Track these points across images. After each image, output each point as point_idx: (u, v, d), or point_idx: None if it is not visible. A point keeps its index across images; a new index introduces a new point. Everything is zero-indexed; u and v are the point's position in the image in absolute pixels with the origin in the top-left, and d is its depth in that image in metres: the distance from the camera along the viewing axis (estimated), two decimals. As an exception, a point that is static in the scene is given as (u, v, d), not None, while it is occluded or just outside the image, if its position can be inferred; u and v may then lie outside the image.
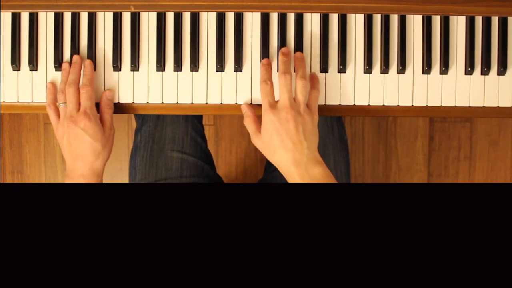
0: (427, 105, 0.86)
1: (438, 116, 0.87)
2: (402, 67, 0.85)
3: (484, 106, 0.86)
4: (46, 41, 0.84)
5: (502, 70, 0.85)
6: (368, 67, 0.85)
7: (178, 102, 0.85)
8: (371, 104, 0.85)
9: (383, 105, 0.86)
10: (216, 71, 0.85)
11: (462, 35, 0.86)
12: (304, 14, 0.85)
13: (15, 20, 0.84)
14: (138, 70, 0.85)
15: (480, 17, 0.85)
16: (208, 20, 0.85)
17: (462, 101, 0.86)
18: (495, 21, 0.85)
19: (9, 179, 1.53)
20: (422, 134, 1.54)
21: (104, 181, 0.84)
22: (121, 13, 0.84)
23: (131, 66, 0.84)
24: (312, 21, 0.85)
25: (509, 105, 0.86)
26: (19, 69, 0.84)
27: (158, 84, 0.85)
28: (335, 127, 1.00)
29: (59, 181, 1.53)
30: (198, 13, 0.84)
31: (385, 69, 0.85)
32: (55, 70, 0.84)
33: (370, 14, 0.85)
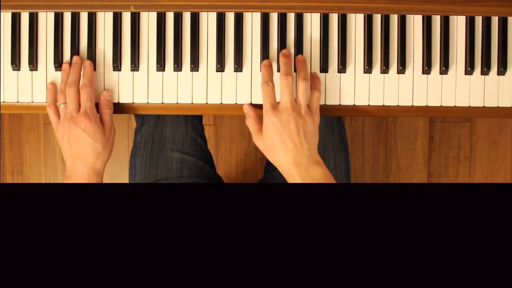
0: (427, 105, 0.85)
1: (438, 116, 0.87)
2: (402, 67, 0.85)
3: (484, 106, 0.86)
4: (46, 41, 0.84)
5: (502, 70, 0.85)
6: (368, 67, 0.85)
7: (178, 102, 0.85)
8: (371, 104, 0.85)
9: (383, 105, 0.86)
10: (216, 71, 0.85)
11: (462, 35, 0.86)
12: (304, 14, 0.85)
13: (15, 20, 0.84)
14: (138, 70, 0.85)
15: (480, 17, 0.85)
16: (208, 20, 0.85)
17: (462, 101, 0.86)
18: (495, 21, 0.85)
19: (9, 179, 1.53)
20: (422, 134, 1.54)
21: (104, 181, 0.84)
22: (121, 13, 0.84)
23: (131, 66, 0.84)
24: (312, 21, 0.85)
25: (509, 105, 0.86)
26: (19, 69, 0.84)
27: (158, 84, 0.85)
28: (335, 127, 1.00)
29: (59, 181, 1.53)
30: (198, 13, 0.84)
31: (385, 69, 0.85)
32: (55, 70, 0.84)
33: (370, 14, 0.85)
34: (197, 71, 0.85)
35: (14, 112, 0.86)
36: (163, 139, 0.97)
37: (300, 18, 0.84)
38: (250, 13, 0.85)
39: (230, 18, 0.84)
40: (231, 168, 1.54)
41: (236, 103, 0.85)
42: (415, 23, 0.85)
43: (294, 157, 0.78)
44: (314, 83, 0.83)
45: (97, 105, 0.83)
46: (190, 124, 0.99)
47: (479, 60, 0.86)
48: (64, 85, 0.82)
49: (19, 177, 1.53)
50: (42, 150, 1.52)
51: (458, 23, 0.85)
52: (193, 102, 0.85)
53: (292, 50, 0.84)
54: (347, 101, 0.85)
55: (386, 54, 0.85)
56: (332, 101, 0.85)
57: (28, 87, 0.85)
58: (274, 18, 0.85)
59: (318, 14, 0.85)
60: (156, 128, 0.98)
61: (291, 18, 0.85)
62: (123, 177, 1.52)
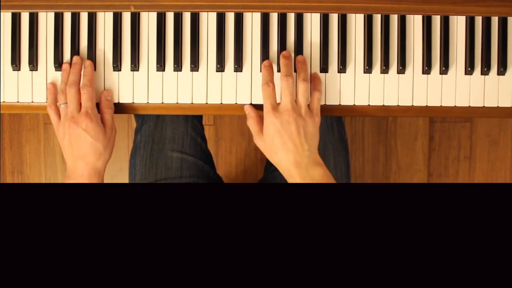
0: (427, 105, 0.86)
1: (438, 116, 0.87)
2: (402, 67, 0.85)
3: (484, 106, 0.86)
4: (46, 41, 0.85)
5: (502, 70, 0.85)
6: (368, 67, 0.85)
7: (178, 102, 0.85)
8: (371, 104, 0.85)
9: (383, 105, 0.86)
10: (216, 71, 0.85)
11: (462, 35, 0.86)
12: (304, 14, 0.85)
13: (15, 20, 0.84)
14: (138, 70, 0.85)
15: (480, 17, 0.85)
16: (208, 20, 0.85)
17: (462, 101, 0.86)
18: (495, 21, 0.85)
19: (9, 179, 1.53)
20: (422, 134, 1.54)
21: (104, 181, 0.84)
22: (121, 13, 0.84)
23: (131, 66, 0.84)
24: (312, 21, 0.85)
25: (509, 105, 0.86)
26: (19, 69, 0.84)
27: (158, 84, 0.85)
28: (335, 127, 1.00)
29: (59, 181, 1.53)
30: (198, 13, 0.84)
31: (385, 69, 0.85)
32: (55, 70, 0.84)
33: (370, 14, 0.85)
34: (197, 71, 0.85)
35: (14, 112, 0.86)
36: (163, 139, 0.97)
37: (300, 18, 0.84)
38: (250, 13, 0.85)
39: (230, 18, 0.84)
40: (231, 168, 1.54)
41: (236, 103, 0.85)
42: (415, 23, 0.85)
43: (294, 158, 0.78)
44: (314, 83, 0.83)
45: (97, 105, 0.83)
46: (190, 124, 0.99)
47: (479, 60, 0.86)
48: (64, 85, 0.82)
49: (19, 177, 1.53)
50: (42, 150, 1.52)
51: (458, 23, 0.85)
52: (193, 102, 0.85)
53: (292, 50, 0.84)
54: (347, 101, 0.85)
55: (386, 54, 0.85)
56: (332, 101, 0.85)
57: (28, 87, 0.85)
58: (274, 18, 0.85)
59: (318, 14, 0.85)
60: (156, 128, 0.98)
61: (291, 18, 0.85)
62: (123, 177, 1.52)
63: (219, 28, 0.84)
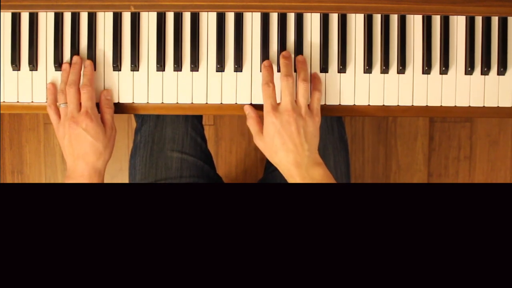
0: (427, 105, 0.86)
1: (438, 116, 0.87)
2: (402, 67, 0.85)
3: (484, 106, 0.86)
4: (46, 41, 0.85)
5: (502, 70, 0.85)
6: (368, 67, 0.85)
7: (178, 102, 0.85)
8: (371, 104, 0.85)
9: (383, 105, 0.86)
10: (216, 71, 0.85)
11: (462, 35, 0.86)
12: (304, 14, 0.85)
13: (15, 20, 0.84)
14: (138, 70, 0.85)
15: (480, 17, 0.85)
16: (208, 20, 0.85)
17: (462, 101, 0.86)
18: (495, 21, 0.85)
19: (9, 179, 1.53)
20: (422, 134, 1.54)
21: (104, 181, 0.84)
22: (121, 13, 0.84)
23: (131, 66, 0.84)
24: (312, 21, 0.85)
25: (509, 105, 0.86)
26: (19, 69, 0.84)
27: (158, 84, 0.85)
28: (335, 127, 1.00)
29: (59, 181, 1.53)
30: (198, 13, 0.84)
31: (385, 69, 0.85)
32: (55, 70, 0.84)
33: (370, 14, 0.85)
34: (197, 71, 0.85)
35: (14, 112, 0.86)
36: (163, 139, 0.97)
37: (300, 18, 0.84)
38: (250, 13, 0.85)
39: (230, 18, 0.84)
40: (231, 168, 1.54)
41: (236, 103, 0.85)
42: (415, 23, 0.85)
43: (294, 158, 0.78)
44: (314, 83, 0.83)
45: (97, 105, 0.83)
46: (190, 124, 0.99)
47: (479, 60, 0.86)
48: (64, 85, 0.82)
49: (19, 177, 1.53)
50: (42, 150, 1.52)
51: (458, 23, 0.85)
52: (193, 102, 0.85)
53: (292, 50, 0.84)
54: (347, 101, 0.85)
55: (386, 54, 0.85)
56: (332, 101, 0.85)
57: (28, 87, 0.85)
58: (274, 18, 0.85)
59: (318, 14, 0.85)
60: (156, 128, 0.98)
61: (291, 18, 0.85)
62: (123, 177, 1.52)
63: (219, 28, 0.84)
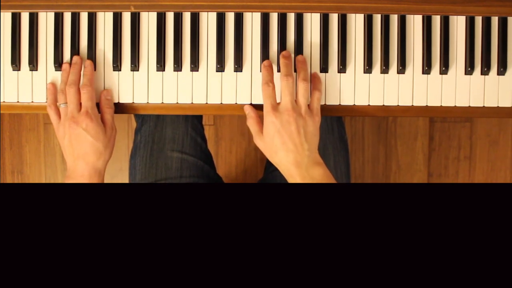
0: (427, 105, 0.86)
1: (438, 116, 0.87)
2: (402, 67, 0.85)
3: (484, 106, 0.86)
4: (46, 41, 0.85)
5: (502, 70, 0.85)
6: (368, 67, 0.85)
7: (178, 102, 0.85)
8: (371, 104, 0.85)
9: (383, 105, 0.86)
10: (216, 71, 0.85)
11: (462, 35, 0.86)
12: (304, 14, 0.85)
13: (15, 20, 0.84)
14: (138, 70, 0.85)
15: (480, 17, 0.85)
16: (208, 20, 0.85)
17: (462, 101, 0.86)
18: (495, 21, 0.85)
19: (9, 179, 1.53)
20: (422, 134, 1.54)
21: (104, 181, 0.84)
22: (121, 13, 0.84)
23: (131, 66, 0.84)
24: (312, 21, 0.85)
25: (509, 105, 0.86)
26: (19, 69, 0.84)
27: (158, 84, 0.85)
28: (335, 127, 1.00)
29: (59, 181, 1.53)
30: (198, 13, 0.84)
31: (385, 69, 0.85)
32: (55, 70, 0.84)
33: (370, 14, 0.85)
34: (197, 71, 0.85)
35: (14, 112, 0.86)
36: (163, 139, 0.97)
37: (300, 18, 0.84)
38: (250, 13, 0.85)
39: (230, 18, 0.84)
40: (231, 168, 1.54)
41: (236, 103, 0.85)
42: (415, 23, 0.85)
43: (294, 157, 0.78)
44: (314, 83, 0.83)
45: (97, 105, 0.83)
46: (190, 124, 0.99)
47: (479, 60, 0.86)
48: (64, 85, 0.82)
49: (19, 177, 1.53)
50: (42, 150, 1.52)
51: (458, 23, 0.85)
52: (193, 102, 0.85)
53: (292, 50, 0.84)
54: (347, 101, 0.85)
55: (386, 54, 0.85)
56: (332, 101, 0.85)
57: (28, 87, 0.85)
58: (274, 18, 0.85)
59: (318, 14, 0.85)
60: (156, 128, 0.98)
61: (291, 18, 0.85)
62: (123, 177, 1.52)
63: (219, 28, 0.84)
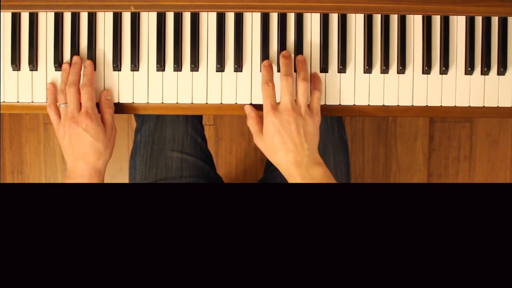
0: (427, 105, 0.86)
1: (438, 116, 0.87)
2: (402, 67, 0.85)
3: (484, 106, 0.86)
4: (46, 41, 0.85)
5: (502, 70, 0.85)
6: (368, 67, 0.85)
7: (178, 102, 0.85)
8: (371, 104, 0.85)
9: (383, 105, 0.86)
10: (216, 71, 0.85)
11: (462, 35, 0.86)
12: (304, 14, 0.85)
13: (15, 20, 0.84)
14: (138, 70, 0.85)
15: (480, 17, 0.85)
16: (208, 20, 0.85)
17: (462, 101, 0.86)
18: (495, 21, 0.85)
19: (9, 179, 1.53)
20: (422, 134, 1.54)
21: (104, 181, 0.84)
22: (121, 13, 0.84)
23: (131, 66, 0.84)
24: (312, 21, 0.85)
25: (509, 105, 0.86)
26: (19, 69, 0.84)
27: (158, 84, 0.85)
28: (335, 127, 1.00)
29: (59, 181, 1.53)
30: (198, 13, 0.84)
31: (385, 69, 0.85)
32: (55, 70, 0.84)
33: (370, 14, 0.85)
34: (197, 71, 0.85)
35: (14, 112, 0.86)
36: (163, 139, 0.97)
37: (300, 18, 0.84)
38: (250, 13, 0.85)
39: (230, 18, 0.84)
40: (231, 168, 1.54)
41: (236, 103, 0.85)
42: (415, 23, 0.85)
43: (294, 157, 0.78)
44: (314, 83, 0.83)
45: (97, 105, 0.83)
46: (190, 124, 0.99)
47: (479, 60, 0.86)
48: (64, 85, 0.82)
49: (19, 177, 1.53)
50: (42, 150, 1.52)
51: (458, 23, 0.85)
52: (193, 102, 0.85)
53: (292, 50, 0.84)
54: (347, 101, 0.85)
55: (386, 54, 0.85)
56: (332, 101, 0.85)
57: (28, 87, 0.85)
58: (274, 18, 0.85)
59: (318, 14, 0.85)
60: (156, 128, 0.98)
61: (291, 18, 0.85)
62: (123, 177, 1.52)
63: (219, 28, 0.84)
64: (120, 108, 0.85)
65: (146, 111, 0.86)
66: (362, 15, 0.85)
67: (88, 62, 0.83)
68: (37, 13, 0.84)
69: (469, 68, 0.85)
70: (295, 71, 0.84)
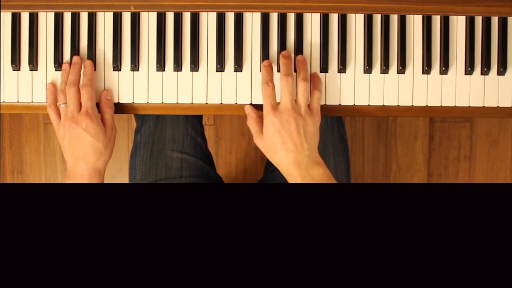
0: (427, 105, 0.86)
1: (438, 116, 0.87)
2: (402, 67, 0.85)
3: (484, 106, 0.86)
4: (46, 41, 0.85)
5: (502, 70, 0.85)
6: (368, 67, 0.85)
7: (178, 102, 0.85)
8: (371, 104, 0.85)
9: (383, 105, 0.86)
10: (216, 71, 0.85)
11: (462, 35, 0.86)
12: (304, 14, 0.85)
13: (15, 20, 0.84)
14: (138, 70, 0.85)
15: (480, 17, 0.85)
16: (208, 20, 0.85)
17: (462, 101, 0.86)
18: (495, 21, 0.85)
19: (9, 179, 1.53)
20: (422, 134, 1.54)
21: (104, 181, 0.84)
22: (121, 13, 0.84)
23: (131, 66, 0.84)
24: (312, 21, 0.85)
25: (509, 105, 0.86)
26: (19, 69, 0.84)
27: (158, 84, 0.85)
28: (335, 127, 1.00)
29: (59, 181, 1.53)
30: (198, 13, 0.84)
31: (385, 69, 0.85)
32: (55, 70, 0.84)
33: (370, 14, 0.85)
34: (197, 71, 0.85)
35: (14, 112, 0.86)
36: (163, 139, 0.98)
37: (300, 18, 0.85)
38: (250, 13, 0.85)
39: (230, 18, 0.84)
40: (231, 168, 1.54)
41: (236, 103, 0.85)
42: (415, 23, 0.85)
43: (294, 157, 0.78)
44: (314, 83, 0.83)
45: (97, 105, 0.83)
46: (190, 124, 0.99)
47: (479, 60, 0.86)
48: (64, 85, 0.82)
49: (19, 177, 1.53)
50: (42, 150, 1.52)
51: (458, 23, 0.85)
52: (193, 102, 0.85)
53: (292, 50, 0.84)
54: (347, 101, 0.85)
55: (386, 54, 0.85)
56: (332, 101, 0.85)
57: (28, 87, 0.85)
58: (274, 18, 0.85)
59: (318, 14, 0.85)
60: (156, 128, 0.98)
61: (291, 18, 0.85)
62: (123, 177, 1.52)
63: (219, 28, 0.84)
64: (120, 108, 0.85)
65: (146, 111, 0.86)
66: (362, 15, 0.85)
67: (88, 62, 0.83)
68: (37, 13, 0.84)
69: (469, 68, 0.85)
70: (295, 71, 0.84)
